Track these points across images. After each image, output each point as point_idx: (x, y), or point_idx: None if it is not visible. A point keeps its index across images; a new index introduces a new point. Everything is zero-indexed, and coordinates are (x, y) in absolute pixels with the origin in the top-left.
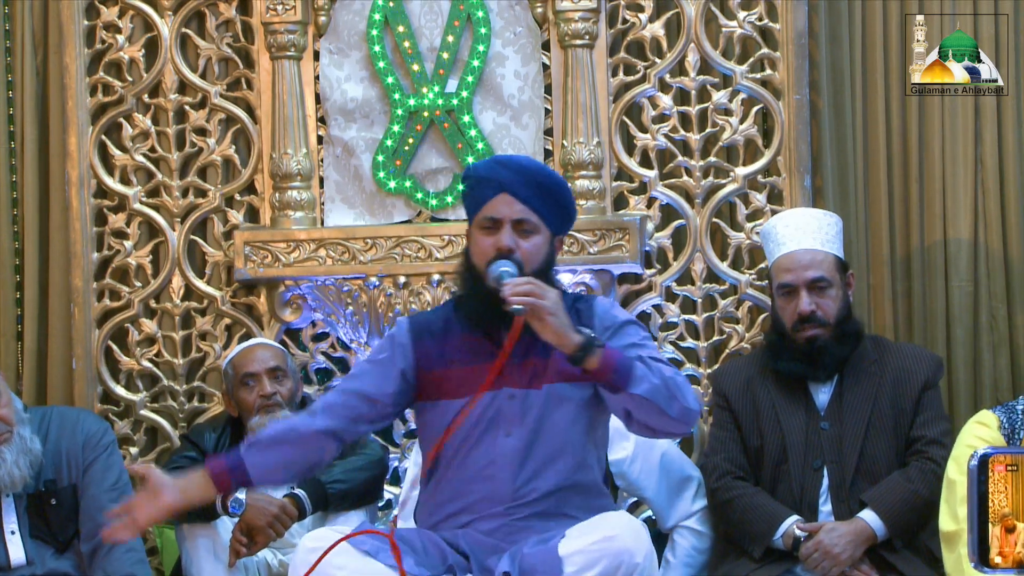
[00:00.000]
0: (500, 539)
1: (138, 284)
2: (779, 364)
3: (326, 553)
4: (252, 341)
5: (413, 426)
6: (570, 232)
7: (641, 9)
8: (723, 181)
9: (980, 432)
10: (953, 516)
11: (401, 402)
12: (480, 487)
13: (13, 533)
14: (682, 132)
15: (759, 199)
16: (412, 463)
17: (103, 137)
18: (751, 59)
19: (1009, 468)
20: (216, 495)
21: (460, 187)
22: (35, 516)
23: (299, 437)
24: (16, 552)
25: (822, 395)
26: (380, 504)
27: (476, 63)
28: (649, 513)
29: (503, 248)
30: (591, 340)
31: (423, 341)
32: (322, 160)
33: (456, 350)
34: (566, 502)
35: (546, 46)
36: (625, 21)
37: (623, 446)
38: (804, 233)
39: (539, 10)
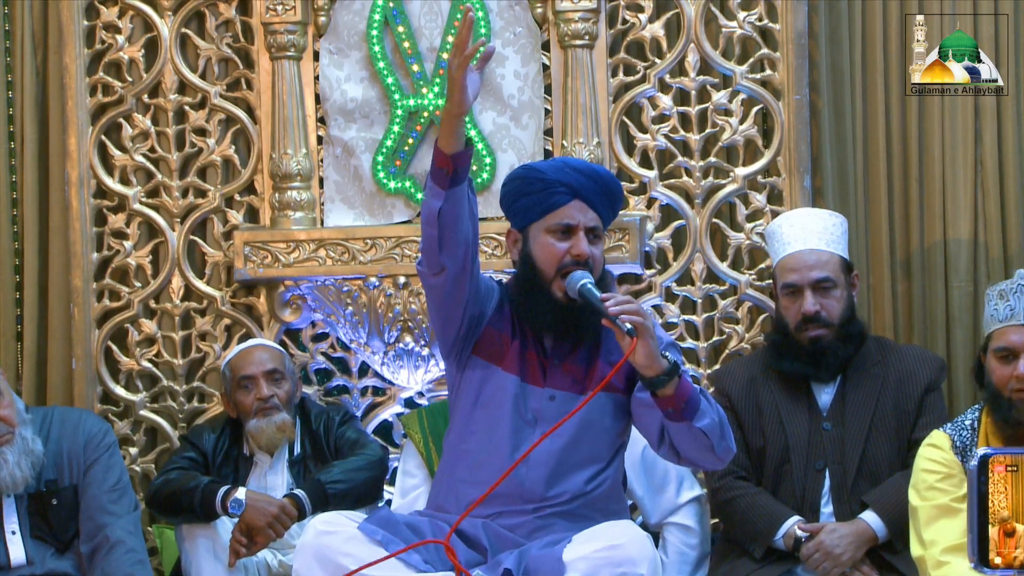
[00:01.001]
0: (523, 535)
1: (138, 284)
2: (782, 364)
3: (370, 565)
4: (250, 342)
5: None
6: None
7: (641, 9)
8: (723, 181)
9: (933, 455)
10: (920, 542)
11: (467, 311)
12: (509, 484)
13: (14, 533)
14: (682, 132)
15: (759, 199)
16: (401, 472)
17: (103, 137)
18: (751, 59)
19: (1009, 469)
20: (453, 150)
21: (505, 185)
22: (36, 516)
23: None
24: (16, 552)
25: (825, 396)
26: (380, 504)
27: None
28: None
29: (583, 255)
30: (676, 367)
31: (504, 306)
32: (322, 160)
33: (520, 327)
34: (590, 506)
35: (546, 46)
36: (625, 21)
37: None
38: (809, 233)
39: (539, 10)
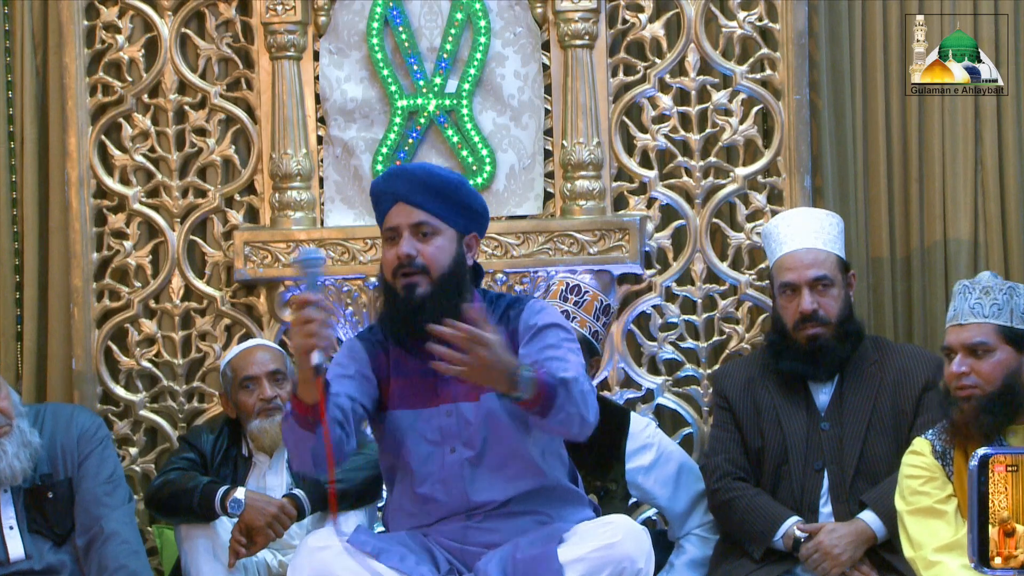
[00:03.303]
0: (461, 540)
1: (138, 284)
2: (780, 364)
3: None
4: (251, 342)
5: None
6: (570, 232)
7: (641, 9)
8: (723, 181)
9: (915, 461)
10: (910, 544)
11: (378, 407)
12: (434, 507)
13: (12, 528)
14: (682, 132)
15: (759, 199)
16: None
17: (103, 137)
18: (751, 59)
19: (1009, 469)
20: (314, 400)
21: None
22: (33, 510)
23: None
24: (15, 547)
25: (823, 396)
26: (379, 504)
27: (476, 63)
28: (649, 513)
29: (402, 256)
30: (520, 394)
31: (376, 354)
32: (322, 160)
33: (395, 361)
34: (534, 500)
35: (546, 46)
36: (625, 21)
37: (643, 455)
38: (806, 232)
39: (539, 10)
